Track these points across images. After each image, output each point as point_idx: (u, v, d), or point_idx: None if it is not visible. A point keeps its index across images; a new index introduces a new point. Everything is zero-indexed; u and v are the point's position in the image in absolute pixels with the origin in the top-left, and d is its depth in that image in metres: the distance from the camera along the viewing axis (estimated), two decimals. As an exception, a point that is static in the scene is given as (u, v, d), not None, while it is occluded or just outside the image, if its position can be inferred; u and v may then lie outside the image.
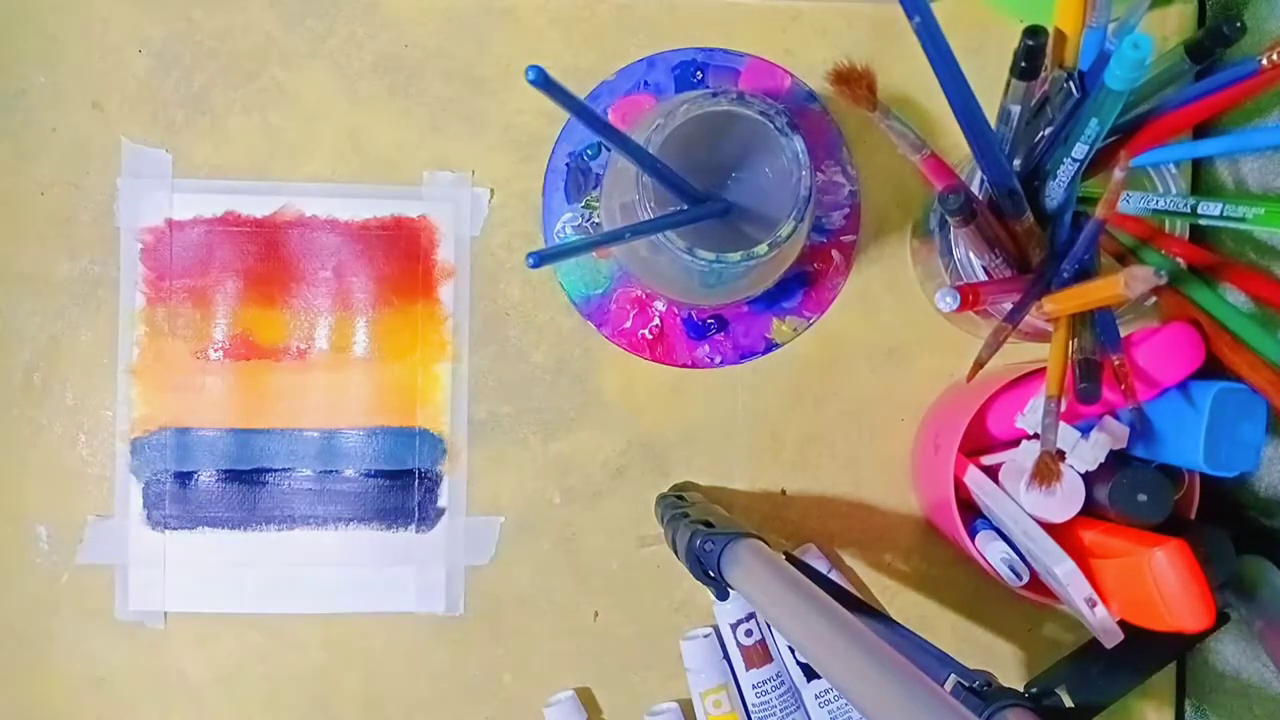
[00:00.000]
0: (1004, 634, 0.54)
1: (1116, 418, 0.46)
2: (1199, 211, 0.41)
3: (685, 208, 0.42)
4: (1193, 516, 0.47)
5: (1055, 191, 0.42)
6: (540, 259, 0.36)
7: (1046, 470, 0.42)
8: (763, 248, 0.42)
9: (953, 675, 0.39)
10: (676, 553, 0.44)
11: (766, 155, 0.44)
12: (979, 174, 0.43)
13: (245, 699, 0.53)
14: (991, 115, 0.40)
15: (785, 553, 0.52)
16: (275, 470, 0.52)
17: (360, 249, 0.52)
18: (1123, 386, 0.43)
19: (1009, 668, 0.53)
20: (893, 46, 0.52)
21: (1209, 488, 0.47)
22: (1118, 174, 0.37)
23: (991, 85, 0.41)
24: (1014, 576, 0.46)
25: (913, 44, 0.36)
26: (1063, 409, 0.42)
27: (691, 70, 0.53)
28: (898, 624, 0.43)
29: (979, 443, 0.49)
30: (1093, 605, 0.44)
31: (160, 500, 0.52)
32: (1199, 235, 0.51)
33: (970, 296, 0.40)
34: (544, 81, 0.33)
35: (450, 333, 0.53)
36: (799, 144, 0.42)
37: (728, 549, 0.40)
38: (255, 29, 0.52)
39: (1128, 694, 0.46)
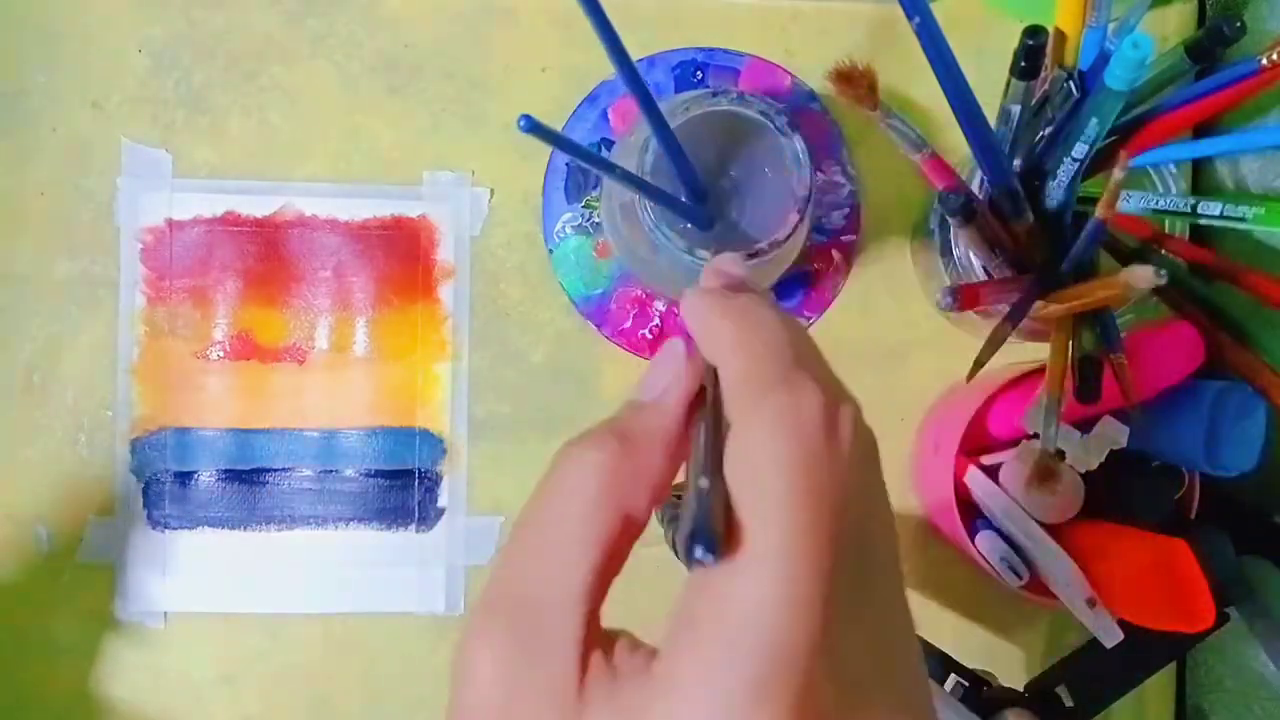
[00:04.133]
0: (1004, 634, 0.54)
1: (1116, 418, 0.46)
2: (1199, 211, 0.41)
3: (684, 199, 0.42)
4: (1193, 516, 0.47)
5: (1055, 191, 0.42)
6: (533, 125, 0.34)
7: (1046, 470, 0.42)
8: (762, 247, 0.42)
9: (953, 675, 0.39)
10: (676, 553, 0.44)
11: (766, 155, 0.44)
12: (979, 174, 0.43)
13: (245, 699, 0.53)
14: (991, 115, 0.40)
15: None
16: (275, 470, 0.52)
17: (360, 249, 0.52)
18: (1123, 386, 0.43)
19: (1009, 668, 0.53)
20: (893, 46, 0.52)
21: (1209, 488, 0.47)
22: (1118, 174, 0.37)
23: (991, 85, 0.41)
24: (1014, 576, 0.46)
25: (913, 44, 0.36)
26: (1063, 409, 0.42)
27: (691, 70, 0.53)
28: (898, 624, 0.43)
29: (979, 443, 0.49)
30: (1093, 605, 0.44)
31: (160, 500, 0.52)
32: (1199, 235, 0.51)
33: (970, 296, 0.40)
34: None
35: (450, 333, 0.53)
36: (799, 144, 0.42)
37: (728, 549, 0.39)
38: (255, 29, 0.52)
39: (1128, 694, 0.46)
